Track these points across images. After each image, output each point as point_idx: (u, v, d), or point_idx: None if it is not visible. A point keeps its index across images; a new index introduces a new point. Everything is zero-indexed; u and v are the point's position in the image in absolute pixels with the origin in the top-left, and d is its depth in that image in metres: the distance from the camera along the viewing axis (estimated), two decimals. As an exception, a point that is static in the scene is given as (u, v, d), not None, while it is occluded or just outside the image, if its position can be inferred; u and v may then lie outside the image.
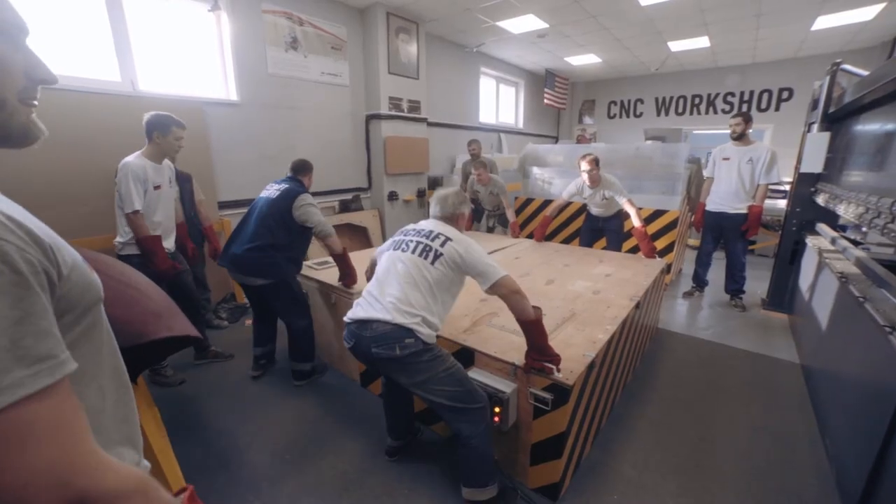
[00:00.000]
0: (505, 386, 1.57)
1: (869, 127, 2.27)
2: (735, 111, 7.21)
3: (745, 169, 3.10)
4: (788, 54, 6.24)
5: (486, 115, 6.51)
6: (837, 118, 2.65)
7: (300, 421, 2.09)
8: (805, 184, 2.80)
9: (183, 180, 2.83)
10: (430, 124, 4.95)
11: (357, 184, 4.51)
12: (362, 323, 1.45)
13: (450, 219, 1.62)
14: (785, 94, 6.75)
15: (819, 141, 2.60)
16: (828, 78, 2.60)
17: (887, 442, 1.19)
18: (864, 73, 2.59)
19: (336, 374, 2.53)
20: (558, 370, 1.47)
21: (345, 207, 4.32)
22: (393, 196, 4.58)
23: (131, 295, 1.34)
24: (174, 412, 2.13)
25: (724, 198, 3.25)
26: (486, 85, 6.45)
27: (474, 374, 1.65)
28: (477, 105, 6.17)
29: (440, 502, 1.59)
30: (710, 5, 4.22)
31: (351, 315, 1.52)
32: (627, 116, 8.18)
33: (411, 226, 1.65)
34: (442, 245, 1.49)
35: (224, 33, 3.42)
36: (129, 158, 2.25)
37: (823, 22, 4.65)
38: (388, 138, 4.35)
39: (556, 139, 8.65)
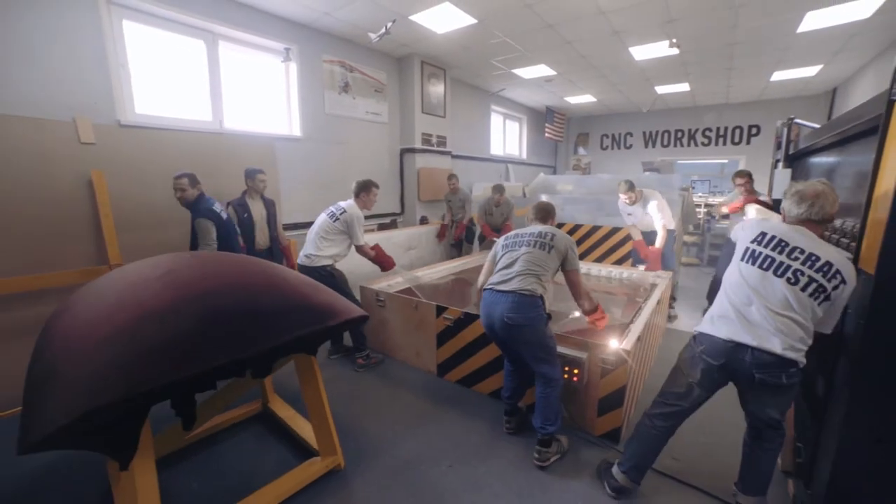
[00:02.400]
0: (580, 354, 2.28)
1: (818, 164, 3.21)
2: (712, 144, 8.49)
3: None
4: (755, 97, 7.58)
5: (496, 148, 7.49)
6: (796, 157, 3.62)
7: (396, 401, 2.71)
8: (777, 208, 3.74)
9: (269, 204, 3.46)
10: (454, 156, 5.80)
11: (392, 209, 5.24)
12: (741, 347, 1.48)
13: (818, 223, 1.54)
14: (754, 130, 8.08)
15: (783, 175, 3.54)
16: (785, 129, 3.59)
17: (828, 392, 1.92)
18: (813, 125, 3.58)
19: (416, 370, 3.14)
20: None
21: (383, 230, 5.01)
22: (424, 220, 5.31)
23: (323, 286, 1.99)
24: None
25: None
26: (495, 121, 7.47)
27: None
28: (489, 139, 7.13)
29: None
30: (690, 60, 5.35)
31: (723, 334, 1.54)
32: (619, 148, 9.39)
33: (777, 234, 1.53)
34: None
35: (291, 80, 4.18)
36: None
37: (779, 76, 5.91)
38: (421, 169, 5.14)
39: (553, 168, 9.74)
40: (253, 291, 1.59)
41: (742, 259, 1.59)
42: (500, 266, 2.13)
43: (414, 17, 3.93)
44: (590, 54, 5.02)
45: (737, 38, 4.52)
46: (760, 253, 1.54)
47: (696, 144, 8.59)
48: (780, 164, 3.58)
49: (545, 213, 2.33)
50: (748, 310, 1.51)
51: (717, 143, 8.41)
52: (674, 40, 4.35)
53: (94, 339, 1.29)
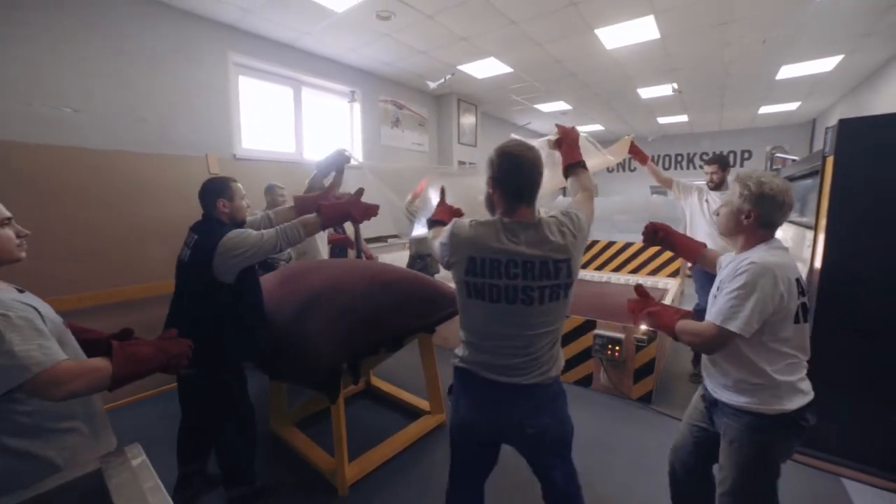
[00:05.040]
0: (620, 335, 3.15)
1: (798, 188, 4.21)
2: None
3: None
4: (746, 125, 8.76)
5: (514, 170, 8.53)
6: (779, 183, 4.63)
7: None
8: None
9: None
10: (483, 180, 6.77)
11: (431, 227, 6.15)
12: None
13: None
14: (746, 155, 9.24)
15: (769, 198, 4.56)
16: (769, 160, 4.61)
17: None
18: (792, 157, 4.62)
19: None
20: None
21: (423, 245, 5.90)
22: (459, 236, 6.23)
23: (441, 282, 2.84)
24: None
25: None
26: (513, 146, 8.53)
27: (599, 329, 3.23)
28: (508, 163, 8.17)
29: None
30: (689, 98, 6.46)
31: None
32: (623, 171, 10.53)
33: None
34: None
35: (355, 117, 5.13)
36: None
37: (765, 109, 7.07)
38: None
39: (564, 190, 10.80)
40: (414, 281, 2.44)
41: None
42: (489, 331, 1.27)
43: (461, 67, 4.93)
44: (603, 93, 6.10)
45: (727, 83, 5.62)
46: None
47: (694, 167, 9.74)
48: (766, 189, 4.61)
49: (532, 180, 1.25)
50: None
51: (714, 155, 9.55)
52: (675, 85, 5.43)
53: (328, 315, 2.05)
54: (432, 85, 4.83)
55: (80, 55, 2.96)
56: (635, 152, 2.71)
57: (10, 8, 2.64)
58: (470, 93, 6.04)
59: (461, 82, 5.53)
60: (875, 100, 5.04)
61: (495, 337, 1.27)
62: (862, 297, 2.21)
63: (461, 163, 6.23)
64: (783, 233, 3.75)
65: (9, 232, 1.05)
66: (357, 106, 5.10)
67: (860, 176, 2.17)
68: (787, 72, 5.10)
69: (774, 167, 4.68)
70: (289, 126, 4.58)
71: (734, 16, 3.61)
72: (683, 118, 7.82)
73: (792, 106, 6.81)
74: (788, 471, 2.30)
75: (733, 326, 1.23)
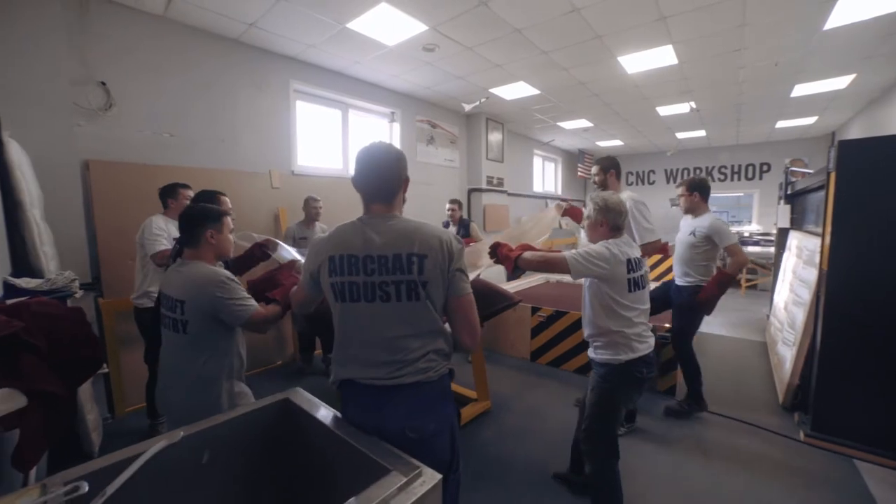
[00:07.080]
0: (646, 332, 3.49)
1: (809, 199, 4.52)
2: (727, 180, 9.84)
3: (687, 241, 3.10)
4: (763, 139, 9.02)
5: (537, 185, 8.98)
6: (795, 195, 4.94)
7: (506, 377, 3.91)
8: (782, 233, 5.02)
9: None
10: (509, 194, 7.21)
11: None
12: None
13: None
14: (765, 167, 9.47)
15: (784, 210, 4.85)
16: (784, 175, 4.93)
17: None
18: (807, 170, 4.93)
19: (511, 357, 4.34)
20: None
21: (454, 255, 6.34)
22: (487, 246, 6.64)
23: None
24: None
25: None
26: (536, 162, 9.02)
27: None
28: (531, 178, 8.62)
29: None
30: (706, 116, 6.82)
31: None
32: (642, 184, 10.85)
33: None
34: None
35: (395, 135, 5.64)
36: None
37: (782, 124, 7.37)
38: (487, 205, 6.53)
39: (583, 202, 11.17)
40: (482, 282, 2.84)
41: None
42: (356, 333, 1.25)
43: (493, 90, 5.42)
44: (623, 112, 6.51)
45: (743, 101, 5.98)
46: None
47: (713, 180, 10.00)
48: (782, 201, 4.91)
49: (384, 179, 1.29)
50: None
51: (732, 179, 9.81)
52: (692, 104, 5.81)
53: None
54: (467, 108, 5.31)
55: (176, 90, 3.53)
56: (571, 214, 2.92)
57: (124, 55, 3.23)
58: (498, 112, 6.52)
59: (491, 103, 6.01)
60: (892, 115, 5.32)
61: (362, 339, 1.25)
62: (865, 296, 2.54)
63: (489, 178, 6.69)
64: (804, 241, 4.06)
65: (232, 237, 1.52)
66: (396, 125, 5.62)
67: (859, 190, 2.53)
68: (801, 90, 5.44)
69: (791, 180, 5.00)
70: (337, 144, 5.11)
71: (746, 43, 4.01)
72: (701, 133, 8.16)
73: (809, 120, 7.11)
74: (805, 453, 2.62)
75: (569, 256, 1.75)
